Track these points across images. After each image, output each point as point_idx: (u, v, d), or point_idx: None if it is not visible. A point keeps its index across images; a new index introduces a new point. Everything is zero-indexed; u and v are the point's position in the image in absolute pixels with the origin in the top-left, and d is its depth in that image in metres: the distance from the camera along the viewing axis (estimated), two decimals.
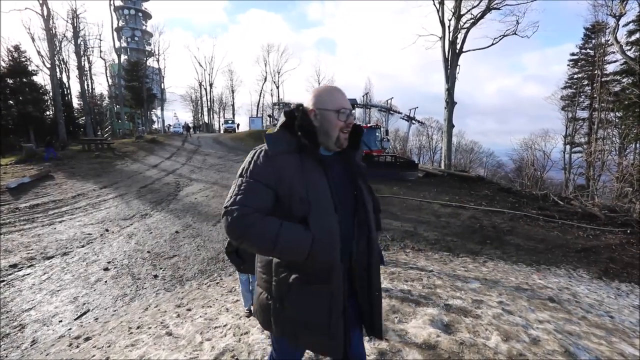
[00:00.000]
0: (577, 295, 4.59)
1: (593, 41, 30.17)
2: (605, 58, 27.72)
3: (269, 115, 43.28)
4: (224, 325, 3.46)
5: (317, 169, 1.33)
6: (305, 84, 74.94)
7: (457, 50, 18.34)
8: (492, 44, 18.75)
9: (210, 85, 52.22)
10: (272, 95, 51.02)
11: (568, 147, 31.54)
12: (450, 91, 18.35)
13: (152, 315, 4.42)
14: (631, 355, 2.81)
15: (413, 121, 31.19)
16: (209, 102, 53.58)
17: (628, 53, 18.91)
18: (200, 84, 52.34)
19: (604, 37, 27.56)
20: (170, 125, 44.71)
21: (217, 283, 5.58)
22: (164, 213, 9.98)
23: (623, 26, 21.14)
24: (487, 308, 3.52)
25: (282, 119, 1.41)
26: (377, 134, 17.38)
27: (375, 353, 2.56)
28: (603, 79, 27.32)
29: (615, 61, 26.98)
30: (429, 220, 8.87)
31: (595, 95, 28.24)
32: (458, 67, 18.46)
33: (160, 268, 6.38)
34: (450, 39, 18.35)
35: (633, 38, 21.74)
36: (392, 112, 33.37)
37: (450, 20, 18.37)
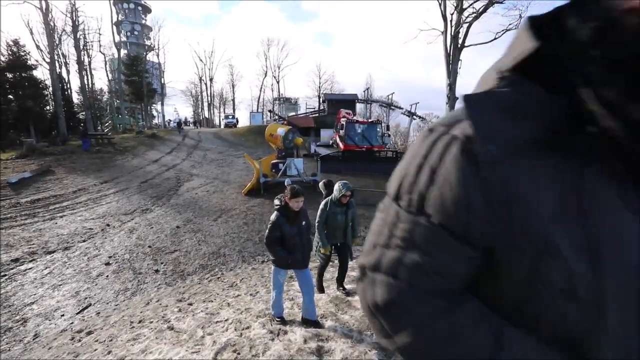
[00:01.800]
0: None
1: None
2: None
3: (270, 111, 43.14)
4: (226, 320, 3.47)
5: (624, 196, 0.44)
6: (305, 79, 74.74)
7: (459, 45, 18.19)
8: (495, 39, 18.60)
9: (211, 80, 52.03)
10: (272, 90, 50.88)
11: None
12: (451, 86, 18.24)
13: (154, 309, 4.44)
14: None
15: (414, 116, 31.11)
16: (209, 97, 53.41)
17: None
18: (200, 79, 52.15)
19: None
20: (170, 120, 44.66)
21: (218, 278, 5.60)
22: (164, 208, 9.99)
23: None
24: None
25: (521, 39, 0.48)
26: (378, 129, 17.32)
27: (377, 349, 2.56)
28: None
29: None
30: None
31: None
32: (460, 61, 18.33)
33: (162, 263, 6.40)
34: (452, 34, 18.19)
35: None
36: (393, 107, 33.29)
37: (452, 15, 18.19)
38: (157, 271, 6.06)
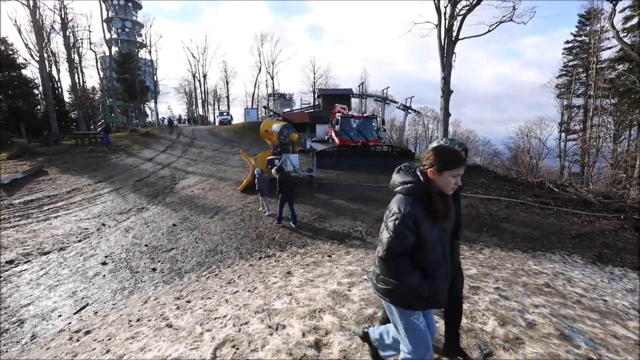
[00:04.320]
0: (572, 280, 4.66)
1: (588, 28, 30.03)
2: (601, 45, 27.64)
3: (265, 107, 42.87)
4: (224, 316, 3.48)
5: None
6: (299, 74, 74.29)
7: (453, 38, 18.15)
8: (489, 31, 18.58)
9: (204, 76, 51.53)
10: (267, 86, 50.53)
11: (563, 134, 31.69)
12: (446, 80, 18.23)
13: (152, 307, 4.44)
14: (624, 337, 2.87)
15: (409, 110, 31.08)
16: (203, 94, 52.96)
17: (624, 39, 18.84)
18: (193, 76, 51.62)
19: (599, 23, 27.44)
20: (164, 118, 44.28)
21: (216, 275, 5.60)
22: (160, 206, 9.94)
23: (619, 12, 21.01)
24: (483, 294, 3.56)
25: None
26: (373, 123, 17.29)
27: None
28: (598, 66, 27.30)
29: (610, 48, 26.92)
30: None
31: (590, 83, 28.27)
32: (454, 55, 18.29)
33: (159, 261, 6.38)
34: (446, 26, 18.14)
35: (629, 24, 21.63)
36: (388, 101, 33.20)
37: (446, 7, 18.12)
38: (154, 270, 6.04)
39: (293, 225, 7.71)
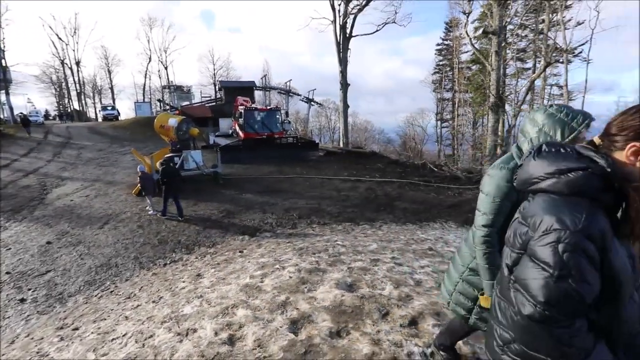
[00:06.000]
0: (448, 241, 5.68)
1: (451, 34, 36.11)
2: (460, 48, 33.68)
3: (159, 100, 38.46)
4: (124, 335, 3.11)
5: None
6: (198, 65, 68.76)
7: (348, 35, 19.50)
8: (377, 30, 20.60)
9: (77, 63, 43.16)
10: (160, 77, 45.42)
11: (439, 122, 37.69)
12: (343, 73, 19.52)
13: (23, 347, 3.65)
14: None
15: (312, 103, 32.22)
16: (77, 85, 44.36)
17: (475, 45, 23.29)
18: (62, 62, 42.67)
19: (459, 30, 33.29)
20: (22, 114, 35.57)
21: (112, 292, 4.93)
22: (26, 223, 8.09)
23: (471, 22, 25.80)
24: (382, 264, 4.06)
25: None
26: (277, 116, 17.39)
27: (287, 323, 2.70)
28: (460, 66, 33.22)
29: (467, 51, 33.05)
30: (331, 196, 9.53)
31: (455, 80, 34.22)
32: (349, 50, 19.70)
33: (29, 289, 5.24)
34: (341, 24, 19.34)
35: (478, 33, 26.82)
36: (291, 94, 33.70)
37: (340, 5, 19.28)
38: (23, 300, 4.94)
39: (180, 219, 7.73)
